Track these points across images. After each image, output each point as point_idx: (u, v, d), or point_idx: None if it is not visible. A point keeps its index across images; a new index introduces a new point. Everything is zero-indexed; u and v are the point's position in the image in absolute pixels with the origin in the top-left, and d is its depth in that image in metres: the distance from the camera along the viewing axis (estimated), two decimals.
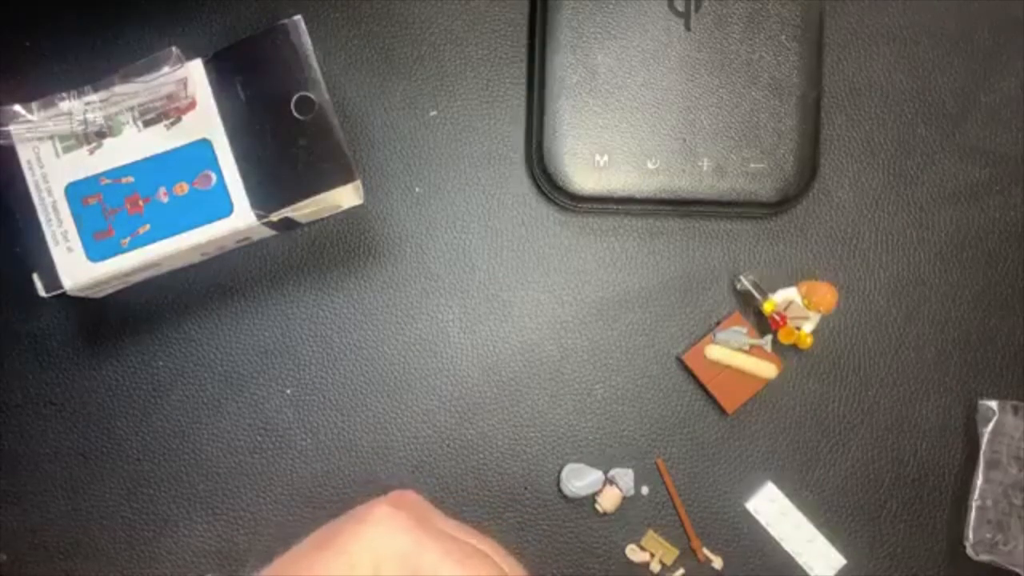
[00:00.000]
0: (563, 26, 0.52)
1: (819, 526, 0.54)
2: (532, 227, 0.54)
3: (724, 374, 0.53)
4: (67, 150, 0.46)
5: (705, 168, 0.52)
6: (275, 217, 0.47)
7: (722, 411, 0.53)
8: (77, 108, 0.46)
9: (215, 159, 0.47)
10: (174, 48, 0.46)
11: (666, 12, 0.52)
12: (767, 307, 0.52)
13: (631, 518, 0.53)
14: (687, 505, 0.54)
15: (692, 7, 0.52)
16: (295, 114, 0.47)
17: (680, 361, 0.54)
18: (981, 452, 0.54)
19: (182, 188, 0.47)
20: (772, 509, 0.54)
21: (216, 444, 0.52)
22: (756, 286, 0.53)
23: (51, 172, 0.46)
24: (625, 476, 0.53)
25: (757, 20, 0.52)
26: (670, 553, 0.53)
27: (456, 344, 0.53)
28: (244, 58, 0.47)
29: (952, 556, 0.54)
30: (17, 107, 0.46)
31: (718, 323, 0.54)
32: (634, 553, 0.53)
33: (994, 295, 0.55)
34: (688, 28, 0.52)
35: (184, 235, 0.47)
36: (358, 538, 0.37)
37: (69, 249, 0.46)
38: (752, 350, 0.53)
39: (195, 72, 0.47)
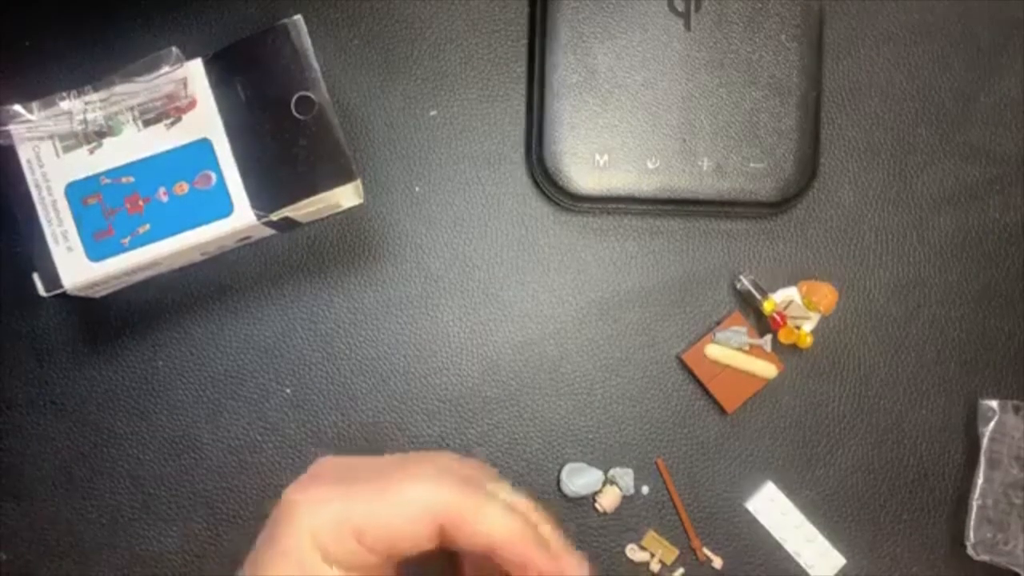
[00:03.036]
0: (563, 26, 0.52)
1: (819, 526, 0.54)
2: (532, 227, 0.54)
3: (724, 374, 0.53)
4: (67, 150, 0.46)
5: (705, 168, 0.52)
6: (275, 217, 0.47)
7: (722, 411, 0.53)
8: (77, 108, 0.46)
9: (215, 159, 0.47)
10: (174, 48, 0.46)
11: (666, 12, 0.52)
12: (767, 307, 0.52)
13: (631, 518, 0.53)
14: (687, 505, 0.54)
15: (692, 7, 0.52)
16: (295, 114, 0.47)
17: (680, 361, 0.54)
18: (982, 452, 0.54)
19: (182, 188, 0.47)
20: (772, 509, 0.54)
21: (216, 444, 0.52)
22: (756, 286, 0.53)
23: (51, 172, 0.46)
24: (625, 476, 0.53)
25: (757, 20, 0.52)
26: (670, 553, 0.53)
27: (456, 344, 0.53)
28: (244, 58, 0.47)
29: (952, 556, 0.54)
30: (17, 107, 0.46)
31: (718, 323, 0.54)
32: (634, 553, 0.53)
33: (994, 295, 0.55)
34: (688, 28, 0.52)
35: (184, 235, 0.47)
36: (288, 527, 0.35)
37: (69, 249, 0.46)
38: (752, 350, 0.53)
39: (195, 72, 0.47)
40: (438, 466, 0.36)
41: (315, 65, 0.47)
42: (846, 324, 0.55)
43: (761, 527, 0.54)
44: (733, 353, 0.53)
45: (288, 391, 0.53)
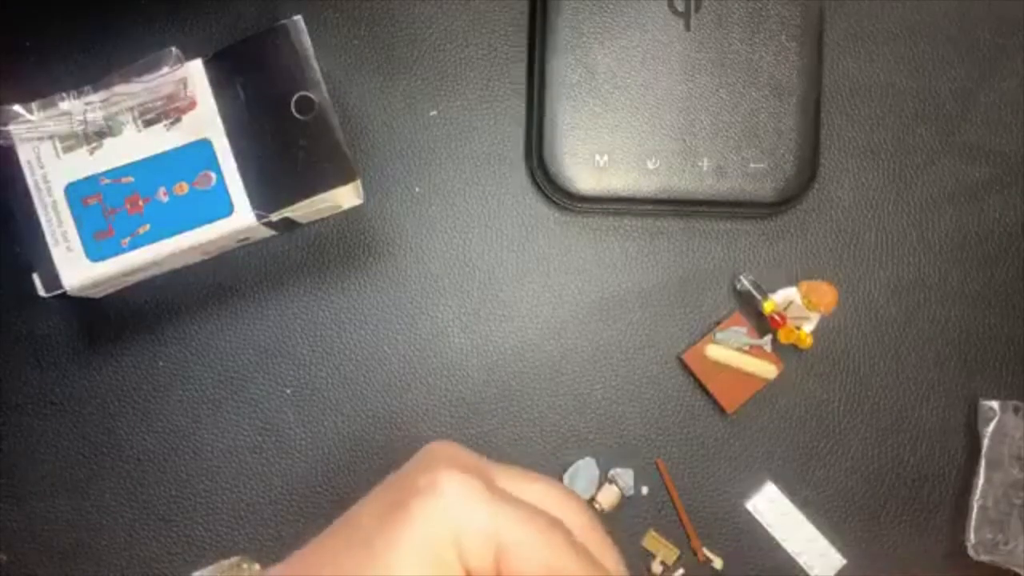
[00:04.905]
0: (563, 26, 0.52)
1: (819, 526, 0.54)
2: (532, 227, 0.54)
3: (724, 374, 0.53)
4: (67, 150, 0.46)
5: (705, 168, 0.52)
6: (275, 217, 0.47)
7: (722, 411, 0.53)
8: (77, 108, 0.46)
9: (215, 159, 0.47)
10: (174, 48, 0.46)
11: (666, 12, 0.52)
12: (767, 307, 0.52)
13: (631, 518, 0.53)
14: (687, 505, 0.54)
15: (692, 7, 0.52)
16: (295, 114, 0.47)
17: (680, 361, 0.54)
18: (983, 452, 0.54)
19: (182, 188, 0.47)
20: (772, 509, 0.54)
21: (216, 444, 0.52)
22: (756, 286, 0.53)
23: (51, 172, 0.46)
24: (625, 476, 0.53)
25: (757, 20, 0.52)
26: (671, 553, 0.53)
27: (456, 344, 0.53)
28: (244, 58, 0.47)
29: (953, 556, 0.54)
30: (17, 107, 0.46)
31: (718, 323, 0.54)
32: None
33: (994, 295, 0.55)
34: (688, 28, 0.52)
35: (184, 235, 0.47)
36: (433, 512, 0.32)
37: (69, 249, 0.46)
38: (752, 350, 0.53)
39: (195, 72, 0.47)
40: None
41: (315, 65, 0.47)
42: (846, 324, 0.55)
43: (761, 527, 0.54)
44: (733, 353, 0.53)
45: (288, 391, 0.53)
